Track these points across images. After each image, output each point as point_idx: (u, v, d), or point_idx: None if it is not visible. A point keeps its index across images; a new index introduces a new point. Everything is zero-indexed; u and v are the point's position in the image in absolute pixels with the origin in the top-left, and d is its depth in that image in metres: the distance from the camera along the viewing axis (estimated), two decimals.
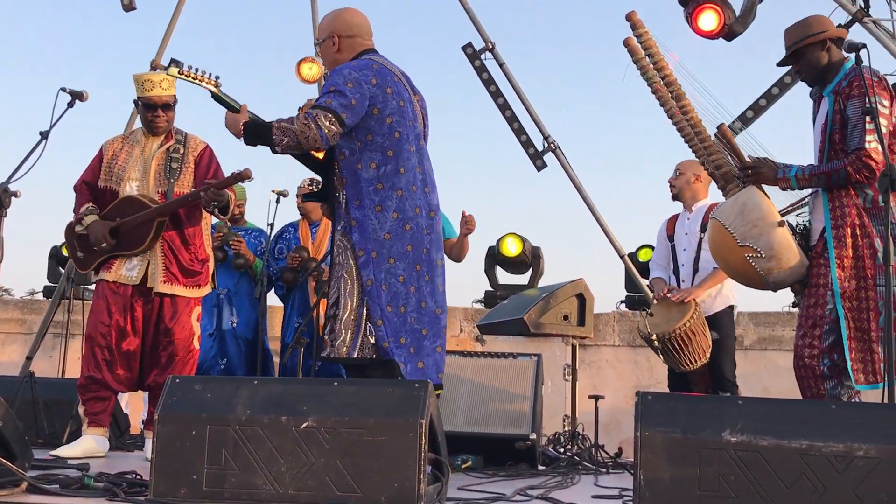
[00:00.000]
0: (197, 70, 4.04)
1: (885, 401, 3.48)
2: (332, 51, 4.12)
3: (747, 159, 4.24)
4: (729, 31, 7.73)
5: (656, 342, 5.31)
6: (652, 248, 7.51)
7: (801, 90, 4.37)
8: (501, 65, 8.92)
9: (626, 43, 4.61)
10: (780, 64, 4.32)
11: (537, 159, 8.85)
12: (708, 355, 5.38)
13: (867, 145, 3.81)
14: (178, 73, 4.10)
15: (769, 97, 8.28)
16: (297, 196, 6.40)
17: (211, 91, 4.05)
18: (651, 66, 4.57)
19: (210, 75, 4.08)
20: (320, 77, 9.26)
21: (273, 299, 7.04)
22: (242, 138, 3.92)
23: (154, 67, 8.59)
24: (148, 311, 4.89)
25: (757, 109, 8.25)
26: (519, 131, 8.91)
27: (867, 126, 3.81)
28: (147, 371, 4.93)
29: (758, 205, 4.10)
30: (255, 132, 3.89)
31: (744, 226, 4.08)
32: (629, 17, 4.60)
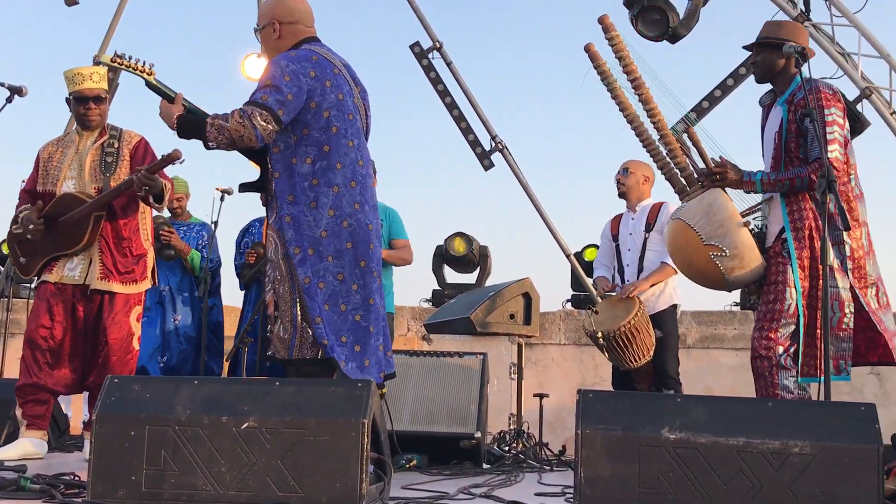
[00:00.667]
0: (131, 58, 3.95)
1: (822, 397, 3.57)
2: (273, 38, 3.99)
3: (712, 162, 4.29)
4: (673, 34, 7.84)
5: (601, 339, 5.36)
6: (598, 247, 7.58)
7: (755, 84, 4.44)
8: (449, 64, 8.93)
9: (588, 49, 4.54)
10: (745, 47, 4.37)
11: (484, 159, 8.87)
12: (652, 353, 5.45)
13: (829, 154, 3.92)
14: (111, 60, 4.00)
15: (724, 88, 8.41)
16: None
17: (145, 80, 3.96)
18: (611, 71, 4.52)
19: (145, 63, 3.97)
20: None
21: (228, 298, 6.97)
22: (176, 130, 3.83)
23: (97, 62, 8.47)
24: (89, 311, 4.81)
25: (712, 100, 8.38)
26: (466, 130, 8.93)
27: (828, 136, 3.94)
28: (87, 372, 4.85)
29: (723, 206, 4.19)
30: (190, 126, 3.80)
31: (710, 225, 4.16)
32: (601, 21, 4.49)
